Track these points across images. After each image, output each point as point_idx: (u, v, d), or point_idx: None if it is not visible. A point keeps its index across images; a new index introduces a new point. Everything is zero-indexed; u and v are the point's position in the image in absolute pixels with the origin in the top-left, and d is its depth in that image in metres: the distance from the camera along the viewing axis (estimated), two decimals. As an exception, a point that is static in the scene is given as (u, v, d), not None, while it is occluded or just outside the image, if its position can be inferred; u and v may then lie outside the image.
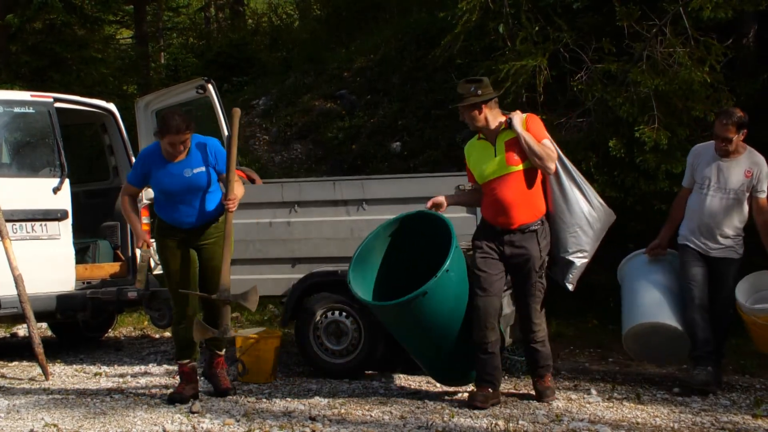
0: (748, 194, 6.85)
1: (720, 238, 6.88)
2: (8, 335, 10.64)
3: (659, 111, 8.58)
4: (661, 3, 9.11)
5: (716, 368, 6.85)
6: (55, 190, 8.58)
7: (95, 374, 7.98)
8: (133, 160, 8.19)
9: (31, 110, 8.70)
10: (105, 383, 7.55)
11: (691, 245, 6.97)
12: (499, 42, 9.88)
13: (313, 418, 6.02)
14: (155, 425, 5.90)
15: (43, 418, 6.14)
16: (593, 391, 6.91)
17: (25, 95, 8.94)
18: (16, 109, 8.64)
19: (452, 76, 11.72)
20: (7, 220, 8.04)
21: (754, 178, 6.81)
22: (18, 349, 9.36)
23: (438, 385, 7.13)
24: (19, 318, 8.32)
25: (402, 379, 7.37)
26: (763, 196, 6.84)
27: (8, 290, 7.92)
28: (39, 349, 7.78)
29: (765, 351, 7.14)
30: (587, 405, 6.47)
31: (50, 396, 7.00)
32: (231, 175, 6.55)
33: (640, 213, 8.84)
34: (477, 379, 6.43)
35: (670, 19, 8.88)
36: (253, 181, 8.70)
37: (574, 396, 6.74)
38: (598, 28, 9.65)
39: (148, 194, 8.11)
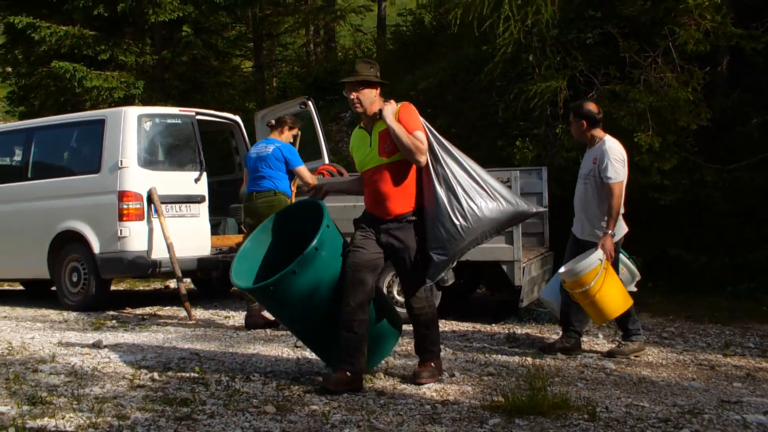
0: (599, 180, 5.77)
1: (586, 223, 5.87)
2: (163, 287, 10.85)
3: (653, 122, 8.48)
4: (654, 39, 9.03)
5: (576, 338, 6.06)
6: (196, 180, 8.69)
7: (225, 317, 8.10)
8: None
9: (179, 121, 8.83)
10: (233, 324, 7.67)
11: (573, 229, 6.06)
12: (529, 68, 9.84)
13: (387, 353, 6.04)
14: (271, 354, 5.99)
15: (188, 348, 6.26)
16: (600, 336, 6.83)
17: (174, 110, 9.08)
18: (169, 121, 8.79)
19: (493, 95, 11.63)
20: (162, 203, 8.21)
21: (599, 165, 5.75)
22: (170, 298, 9.56)
23: (481, 328, 7.08)
24: (171, 275, 8.50)
25: (453, 324, 7.34)
26: (607, 181, 5.68)
27: (163, 254, 8.14)
28: (185, 298, 7.95)
29: (597, 322, 5.97)
30: (595, 346, 6.39)
31: (193, 332, 7.14)
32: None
33: (639, 200, 8.67)
34: (339, 360, 4.80)
35: (661, 51, 8.80)
36: (341, 175, 8.72)
37: (585, 339, 6.66)
38: (606, 58, 9.59)
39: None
